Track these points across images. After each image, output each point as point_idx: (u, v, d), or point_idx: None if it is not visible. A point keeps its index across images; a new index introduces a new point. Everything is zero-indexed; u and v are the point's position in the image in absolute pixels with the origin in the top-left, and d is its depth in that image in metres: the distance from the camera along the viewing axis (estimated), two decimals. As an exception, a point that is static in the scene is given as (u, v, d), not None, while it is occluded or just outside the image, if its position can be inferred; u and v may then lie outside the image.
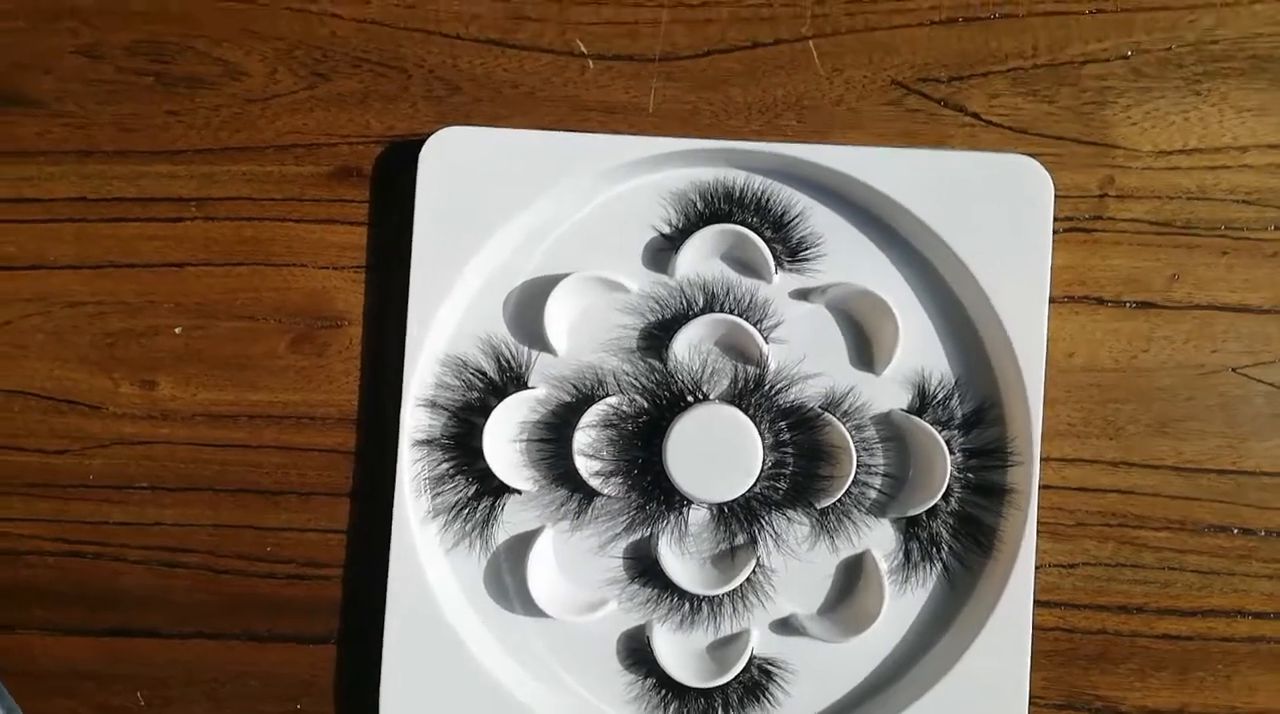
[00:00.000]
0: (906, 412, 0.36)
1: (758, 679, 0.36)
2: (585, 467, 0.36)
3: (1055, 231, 0.36)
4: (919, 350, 0.36)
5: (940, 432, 0.35)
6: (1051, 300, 0.36)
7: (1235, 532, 0.37)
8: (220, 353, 0.39)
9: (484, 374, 0.37)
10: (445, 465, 0.37)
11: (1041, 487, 0.36)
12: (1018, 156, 0.35)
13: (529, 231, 0.37)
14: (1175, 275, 0.36)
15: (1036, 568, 0.37)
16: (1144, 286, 0.36)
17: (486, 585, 0.37)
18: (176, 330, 0.39)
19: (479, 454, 0.36)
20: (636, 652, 0.36)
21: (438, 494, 0.37)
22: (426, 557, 0.36)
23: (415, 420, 0.37)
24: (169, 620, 0.39)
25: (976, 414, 0.36)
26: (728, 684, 0.35)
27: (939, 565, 0.36)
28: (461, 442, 0.37)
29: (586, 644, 0.37)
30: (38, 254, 0.39)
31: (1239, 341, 0.36)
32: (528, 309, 0.37)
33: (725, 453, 0.35)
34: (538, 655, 0.37)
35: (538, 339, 0.37)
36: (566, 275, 0.36)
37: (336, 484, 0.38)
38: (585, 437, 0.36)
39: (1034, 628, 0.35)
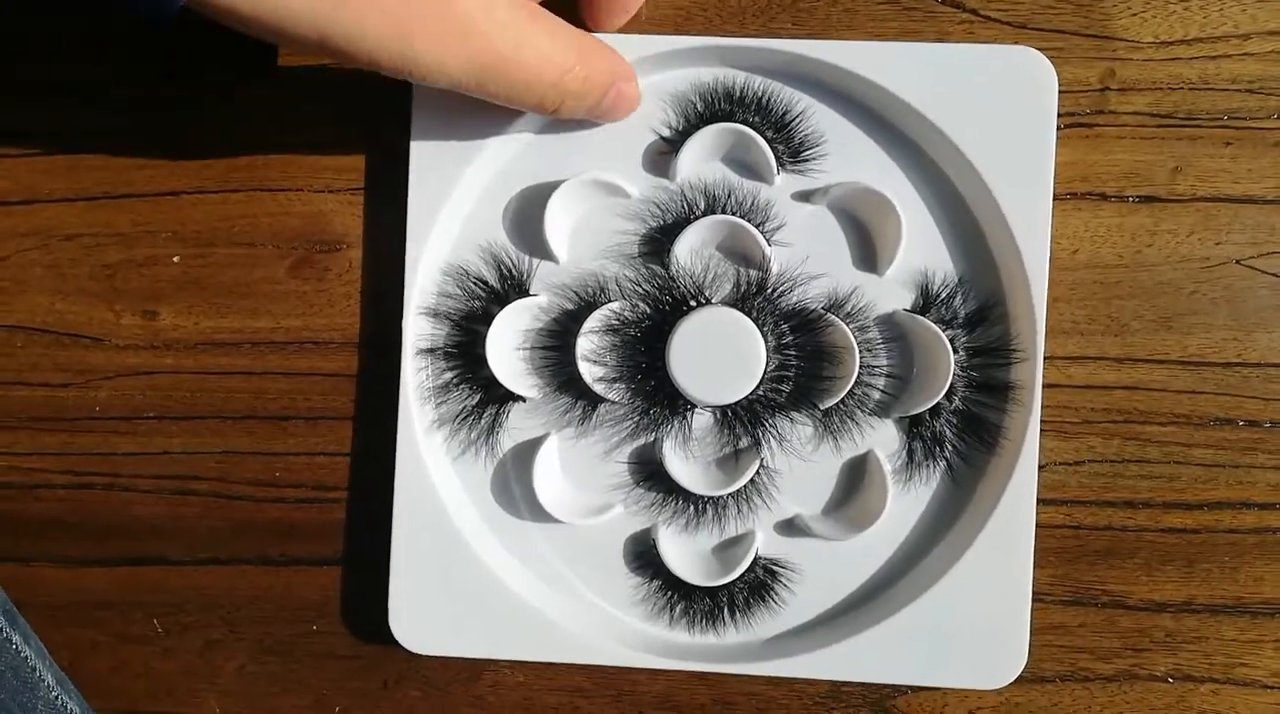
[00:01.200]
0: (910, 311, 0.36)
1: (763, 579, 0.36)
2: (589, 372, 0.36)
3: (1058, 127, 0.36)
4: (922, 250, 0.35)
5: (944, 330, 0.35)
6: (1055, 197, 0.36)
7: (1240, 424, 0.37)
8: (220, 280, 0.39)
9: (485, 282, 0.37)
10: (449, 374, 0.37)
11: (1046, 385, 0.36)
12: (1021, 48, 0.34)
13: (527, 137, 0.36)
14: (1178, 168, 0.36)
15: (1042, 466, 0.37)
16: (1146, 180, 0.36)
17: (493, 492, 0.37)
18: (175, 259, 0.39)
19: (482, 362, 0.36)
20: (643, 554, 0.37)
21: (441, 403, 0.37)
22: (432, 465, 0.36)
23: (417, 329, 0.37)
24: (181, 548, 0.39)
25: (980, 312, 0.36)
26: (733, 583, 0.36)
27: (943, 464, 0.36)
28: (465, 350, 0.37)
29: (593, 548, 0.37)
30: (31, 188, 0.39)
31: (1243, 233, 0.36)
32: (528, 216, 0.37)
33: (728, 356, 0.35)
34: (546, 560, 0.37)
35: (539, 246, 0.36)
36: (561, 180, 0.36)
37: (342, 407, 0.38)
38: (588, 342, 0.36)
39: (1040, 526, 0.36)
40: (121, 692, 0.40)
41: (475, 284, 0.37)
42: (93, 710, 0.38)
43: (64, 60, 0.39)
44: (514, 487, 0.37)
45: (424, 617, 0.36)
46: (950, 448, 0.36)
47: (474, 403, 0.37)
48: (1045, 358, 0.36)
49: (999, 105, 0.34)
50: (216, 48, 0.38)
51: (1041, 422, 0.35)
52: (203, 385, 0.39)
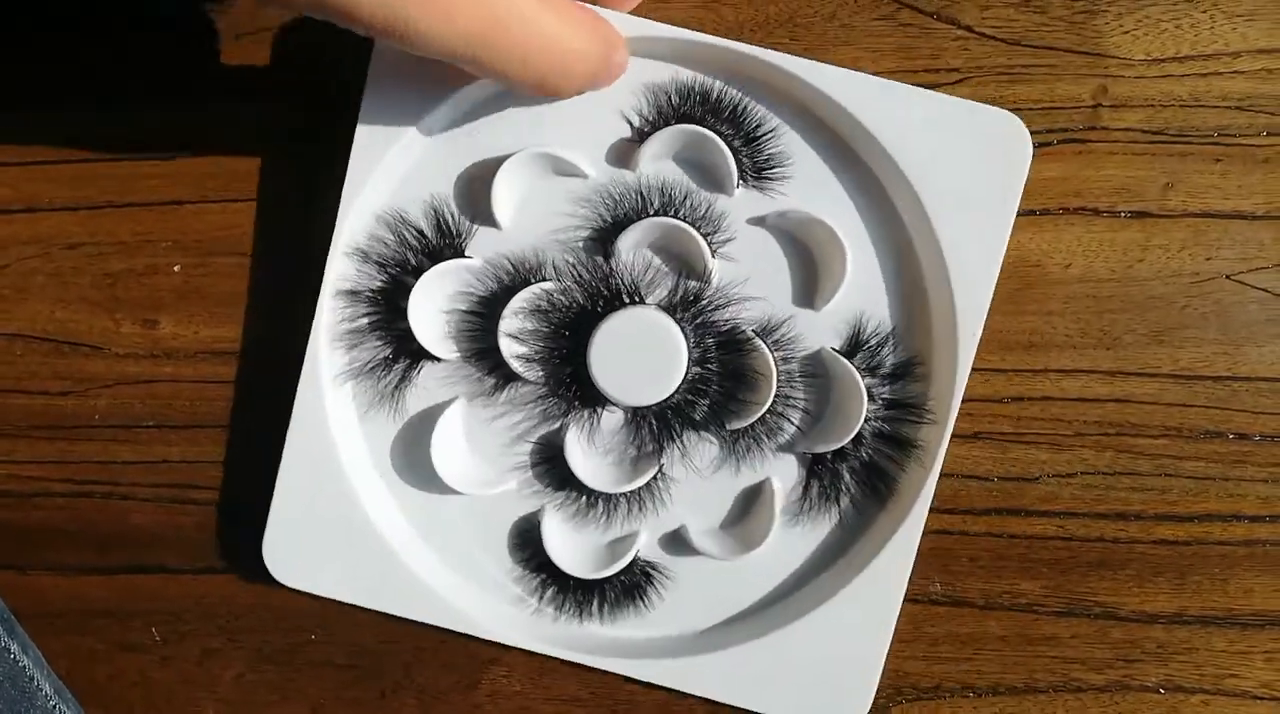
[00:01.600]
0: (836, 351, 0.35)
1: (638, 580, 0.37)
2: (509, 348, 0.35)
3: (1049, 143, 0.36)
4: (862, 292, 0.35)
5: (865, 377, 0.35)
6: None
7: (1230, 437, 0.37)
8: (219, 290, 0.39)
9: (422, 233, 0.36)
10: (364, 319, 0.36)
11: (1039, 397, 0.37)
12: (1004, 113, 0.34)
13: (487, 99, 0.35)
14: (1169, 184, 0.37)
15: (1035, 478, 0.37)
16: (1138, 196, 0.37)
17: (390, 447, 0.37)
18: (176, 268, 0.39)
19: (403, 314, 0.35)
20: (525, 534, 0.37)
21: (354, 347, 0.36)
22: (331, 406, 0.36)
23: (341, 270, 0.36)
24: (180, 556, 0.39)
25: (905, 366, 0.36)
26: (608, 579, 0.36)
27: (835, 507, 0.36)
28: (388, 299, 0.36)
29: (479, 518, 0.37)
30: (33, 196, 0.39)
31: (1233, 248, 0.37)
32: (477, 178, 0.36)
33: (649, 358, 0.35)
34: (430, 522, 0.37)
35: (483, 210, 0.36)
36: (519, 150, 0.35)
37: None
38: (514, 318, 0.35)
39: (1033, 537, 0.36)
40: (119, 700, 0.40)
41: (410, 233, 0.36)
42: (89, 718, 0.38)
43: (68, 67, 0.39)
44: (412, 446, 0.37)
45: (298, 550, 0.36)
46: (846, 492, 0.36)
47: (387, 354, 0.36)
48: (1038, 371, 0.37)
49: (969, 165, 0.34)
50: (221, 59, 0.38)
51: (1034, 434, 0.36)
52: (202, 394, 0.39)
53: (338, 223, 0.35)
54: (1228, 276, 0.37)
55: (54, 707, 0.36)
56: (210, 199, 0.39)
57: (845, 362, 0.35)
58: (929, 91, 0.34)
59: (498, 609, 0.37)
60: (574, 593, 0.37)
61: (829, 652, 0.35)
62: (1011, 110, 0.34)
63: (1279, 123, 0.36)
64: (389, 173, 0.35)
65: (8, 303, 0.40)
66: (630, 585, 0.37)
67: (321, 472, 0.36)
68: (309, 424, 0.36)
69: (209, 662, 0.40)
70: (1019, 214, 0.34)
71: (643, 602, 0.37)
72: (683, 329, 0.35)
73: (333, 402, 0.36)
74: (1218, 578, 0.37)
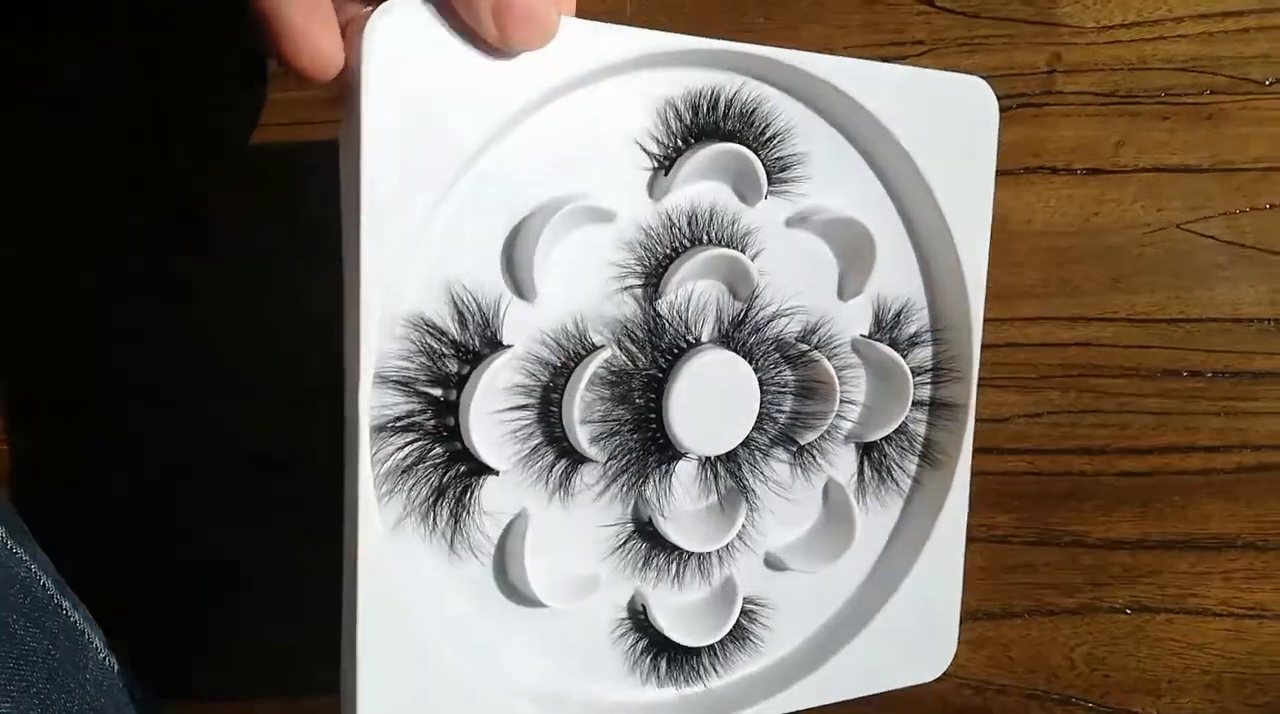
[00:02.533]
0: (866, 337, 0.35)
1: (742, 623, 0.34)
2: (584, 434, 0.30)
3: (1008, 108, 0.39)
4: (880, 273, 0.34)
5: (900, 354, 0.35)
6: (1008, 172, 0.39)
7: (1185, 375, 0.40)
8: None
9: (445, 335, 0.29)
10: (400, 454, 0.29)
11: (1007, 344, 0.40)
12: (970, 78, 0.34)
13: (494, 143, 0.29)
14: (1120, 142, 0.39)
15: (1005, 419, 0.40)
16: (1092, 154, 0.39)
17: (470, 592, 0.31)
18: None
19: (439, 435, 0.29)
20: (624, 622, 0.33)
21: (397, 493, 0.29)
22: (403, 581, 0.28)
23: (371, 402, 0.28)
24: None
25: (922, 334, 0.36)
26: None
27: (894, 483, 0.36)
28: (421, 422, 0.29)
29: (578, 627, 0.32)
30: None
31: (1182, 200, 0.40)
32: (495, 247, 0.30)
33: (724, 402, 0.32)
34: (533, 650, 0.32)
35: (510, 284, 0.30)
36: (546, 206, 0.29)
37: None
38: (584, 399, 0.30)
39: (1004, 473, 0.39)
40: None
41: (434, 337, 0.29)
42: (134, 674, 0.41)
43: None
44: (493, 579, 0.31)
45: None
46: (896, 467, 0.36)
47: (435, 486, 0.29)
48: (1006, 320, 0.39)
49: (952, 130, 0.34)
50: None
51: (1003, 377, 0.39)
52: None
53: (350, 339, 0.27)
54: (1178, 226, 0.40)
55: (104, 658, 0.39)
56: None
57: (883, 347, 0.34)
58: (906, 66, 0.34)
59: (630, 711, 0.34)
60: (688, 660, 0.34)
61: (920, 615, 0.36)
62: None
63: (1221, 82, 0.39)
64: (400, 266, 0.28)
65: None
66: (737, 630, 0.34)
67: (410, 650, 0.29)
68: (380, 609, 0.28)
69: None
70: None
71: (751, 640, 0.35)
72: (745, 358, 0.32)
73: (402, 570, 0.29)
74: (1177, 505, 0.40)
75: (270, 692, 0.43)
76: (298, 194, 0.39)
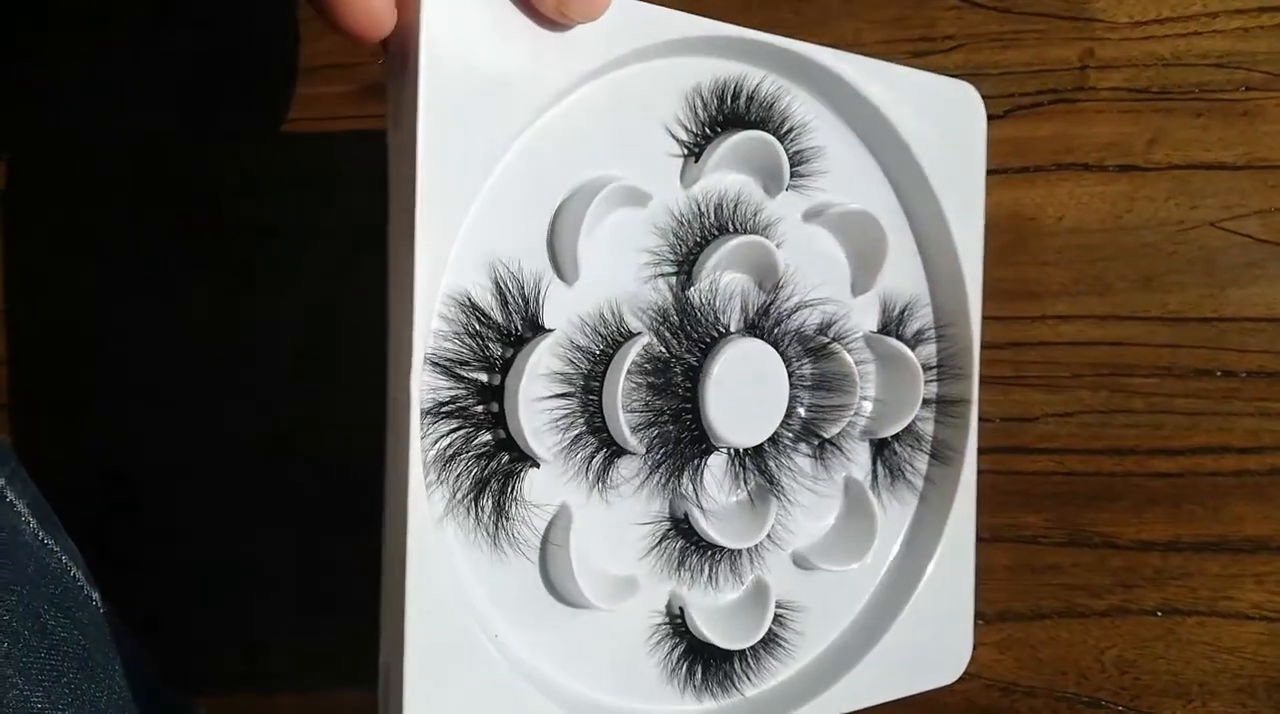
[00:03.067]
0: (877, 333, 0.35)
1: (773, 628, 0.34)
2: (626, 423, 0.30)
3: (1040, 103, 0.39)
4: (886, 272, 0.35)
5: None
6: (1040, 169, 0.39)
7: (1218, 374, 0.40)
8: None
9: (488, 317, 0.28)
10: (444, 441, 0.28)
11: (1037, 343, 0.40)
12: (957, 82, 0.35)
13: (526, 144, 0.29)
14: (1154, 139, 0.39)
15: (1034, 418, 0.40)
16: (1125, 151, 0.39)
17: (509, 588, 0.30)
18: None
19: (483, 422, 0.28)
20: (659, 627, 0.32)
21: (443, 483, 0.28)
22: (449, 561, 0.28)
23: (423, 385, 0.27)
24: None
25: (925, 331, 0.36)
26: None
27: (904, 480, 0.36)
28: (465, 408, 0.28)
29: (615, 632, 0.32)
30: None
31: (1215, 197, 0.39)
32: (536, 227, 0.29)
33: (757, 392, 0.32)
34: (571, 651, 0.31)
35: (552, 265, 0.29)
36: (588, 184, 0.29)
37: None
38: (625, 387, 0.30)
39: (1034, 473, 0.39)
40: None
41: (478, 318, 0.28)
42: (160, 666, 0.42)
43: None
44: (535, 577, 0.30)
45: None
46: (907, 464, 0.36)
47: (477, 477, 0.28)
48: (1036, 318, 0.39)
49: (945, 130, 0.35)
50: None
51: (1033, 377, 0.38)
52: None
53: (414, 323, 0.26)
54: (1211, 223, 0.39)
55: (131, 650, 0.39)
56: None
57: (895, 342, 0.35)
58: (901, 65, 0.34)
59: None
60: (722, 667, 0.33)
61: (936, 618, 0.36)
62: (1004, 73, 0.36)
63: (1256, 78, 0.39)
64: (445, 254, 0.27)
65: None
66: (768, 635, 0.33)
67: (462, 650, 0.28)
68: (429, 604, 0.27)
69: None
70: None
71: (781, 644, 0.34)
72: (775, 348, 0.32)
73: (454, 566, 0.28)
74: (1210, 506, 0.40)
75: (287, 687, 0.43)
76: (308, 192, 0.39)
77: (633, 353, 0.29)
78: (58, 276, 0.41)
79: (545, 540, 0.30)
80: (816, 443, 0.34)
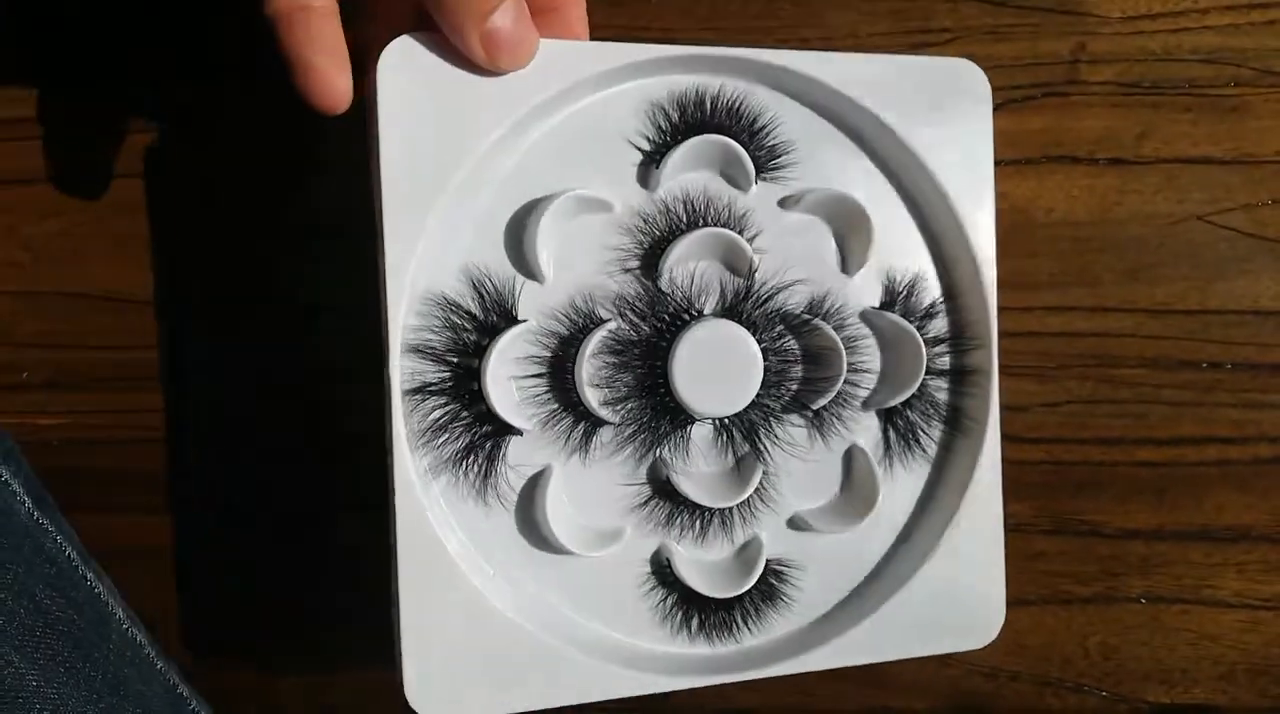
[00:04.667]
0: (878, 308, 0.37)
1: (771, 580, 0.37)
2: (593, 397, 0.34)
3: (1032, 97, 0.39)
4: (883, 249, 0.37)
5: (909, 323, 0.36)
6: (1030, 161, 0.39)
7: (1203, 366, 0.40)
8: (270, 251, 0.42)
9: (467, 312, 0.34)
10: (436, 413, 0.34)
11: (1026, 333, 0.40)
12: (959, 60, 0.36)
13: (501, 149, 0.34)
14: (1143, 133, 0.40)
15: (1023, 408, 0.40)
16: (1115, 144, 0.40)
17: (500, 539, 0.35)
18: (227, 232, 0.42)
19: (469, 398, 0.34)
20: (654, 575, 0.36)
21: (433, 447, 0.34)
22: (434, 517, 0.33)
23: (404, 368, 0.33)
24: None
25: (937, 304, 0.37)
26: (745, 590, 0.36)
27: (920, 448, 0.37)
28: (454, 388, 0.34)
29: (605, 576, 0.36)
30: (89, 165, 0.42)
31: (1203, 191, 0.40)
32: (509, 238, 0.35)
33: (727, 367, 0.35)
34: (558, 596, 0.36)
35: (522, 267, 0.35)
36: (547, 197, 0.34)
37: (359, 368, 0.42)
38: (591, 367, 0.34)
39: (1022, 462, 0.39)
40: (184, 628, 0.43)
41: (458, 315, 0.34)
42: (157, 642, 0.42)
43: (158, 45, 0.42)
44: (518, 527, 0.35)
45: (444, 681, 0.33)
46: (922, 433, 0.37)
47: (466, 442, 0.34)
48: (1025, 309, 0.39)
49: (945, 111, 0.36)
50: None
51: (1022, 367, 0.39)
52: (252, 346, 0.42)
53: (388, 321, 0.33)
54: (1198, 217, 0.40)
55: (127, 629, 0.39)
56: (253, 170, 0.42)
57: (893, 316, 0.36)
58: (894, 56, 0.36)
59: (661, 661, 0.36)
60: (717, 614, 0.36)
61: (959, 580, 0.37)
62: (996, 67, 0.37)
63: (1245, 74, 0.39)
64: (423, 255, 0.33)
65: (68, 266, 0.43)
66: (766, 588, 0.36)
67: (442, 590, 0.33)
68: (418, 548, 0.33)
69: (265, 591, 0.43)
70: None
71: (782, 599, 0.37)
72: (746, 328, 0.35)
73: (435, 514, 0.33)
74: (1193, 496, 0.41)
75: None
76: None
77: (599, 334, 0.34)
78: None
79: (530, 496, 0.35)
80: (811, 415, 0.36)
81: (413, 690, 0.33)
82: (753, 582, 0.36)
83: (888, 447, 0.37)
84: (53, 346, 0.43)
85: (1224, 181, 0.40)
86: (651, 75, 0.35)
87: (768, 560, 0.37)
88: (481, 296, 0.34)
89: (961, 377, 0.37)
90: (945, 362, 0.37)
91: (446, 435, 0.34)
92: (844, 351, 0.36)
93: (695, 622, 0.36)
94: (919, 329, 0.36)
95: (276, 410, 0.42)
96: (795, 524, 0.37)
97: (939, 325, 0.37)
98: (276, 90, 0.41)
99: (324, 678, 0.42)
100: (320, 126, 0.41)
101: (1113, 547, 0.41)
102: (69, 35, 0.42)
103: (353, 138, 0.39)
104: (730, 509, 0.36)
